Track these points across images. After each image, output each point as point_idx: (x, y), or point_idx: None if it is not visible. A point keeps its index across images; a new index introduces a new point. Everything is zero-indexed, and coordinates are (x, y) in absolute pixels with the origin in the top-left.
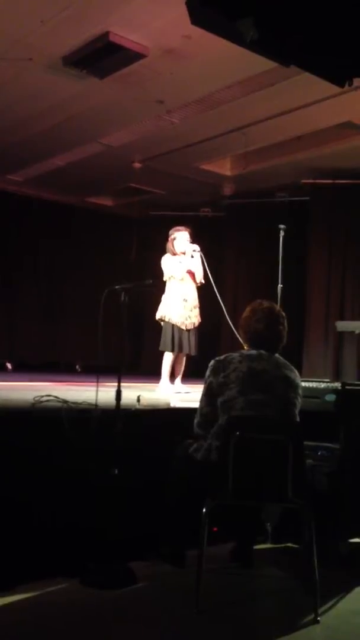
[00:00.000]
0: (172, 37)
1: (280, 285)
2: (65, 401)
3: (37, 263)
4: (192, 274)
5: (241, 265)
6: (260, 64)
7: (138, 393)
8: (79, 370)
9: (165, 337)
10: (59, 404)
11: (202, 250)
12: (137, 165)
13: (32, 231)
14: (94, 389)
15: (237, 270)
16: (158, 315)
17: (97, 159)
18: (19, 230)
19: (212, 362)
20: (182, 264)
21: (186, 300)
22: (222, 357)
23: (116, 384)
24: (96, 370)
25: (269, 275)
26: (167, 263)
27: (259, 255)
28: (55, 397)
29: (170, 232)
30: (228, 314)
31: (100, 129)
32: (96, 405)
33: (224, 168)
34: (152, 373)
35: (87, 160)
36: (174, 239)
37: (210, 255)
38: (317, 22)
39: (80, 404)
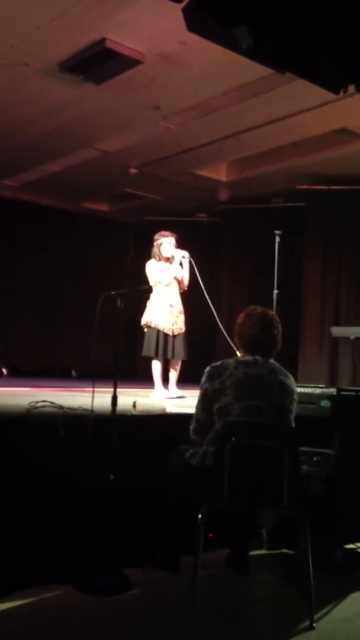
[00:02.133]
0: (168, 44)
1: (275, 291)
2: (60, 407)
3: (32, 268)
4: (178, 280)
5: (237, 270)
6: (255, 70)
7: (134, 399)
8: (75, 375)
9: (149, 343)
10: (55, 410)
11: (197, 255)
12: (133, 170)
13: (27, 237)
14: (90, 394)
15: (233, 276)
16: (143, 321)
17: (93, 164)
18: (14, 236)
19: (207, 369)
20: (169, 270)
21: (172, 306)
22: (217, 363)
23: (112, 389)
24: (92, 376)
25: (264, 281)
26: (152, 268)
27: (254, 261)
28: (51, 402)
29: (156, 237)
30: (224, 320)
31: (96, 135)
32: (92, 410)
33: (220, 174)
34: (147, 379)
35: (83, 165)
36: (161, 244)
37: (205, 261)
38: (312, 30)
39: (75, 409)
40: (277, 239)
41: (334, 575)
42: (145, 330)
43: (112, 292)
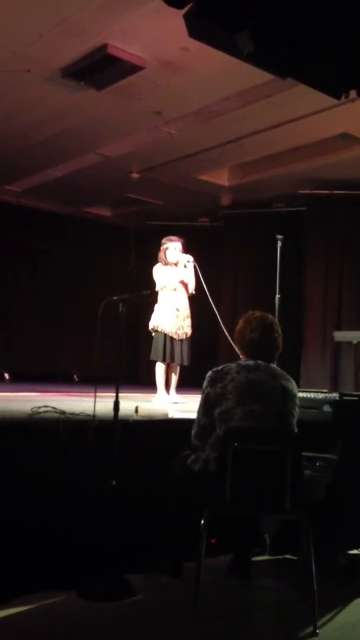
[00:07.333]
0: (169, 49)
1: (278, 296)
2: (62, 412)
3: (34, 273)
4: (184, 284)
5: (239, 275)
6: (257, 75)
7: (136, 404)
8: (77, 380)
9: (157, 347)
10: (57, 415)
11: (199, 260)
12: (135, 175)
13: (29, 242)
14: (92, 399)
15: (235, 281)
16: (151, 325)
17: (95, 169)
18: (17, 241)
19: (209, 373)
20: (175, 274)
21: (178, 310)
22: (219, 367)
23: (114, 394)
24: (94, 381)
25: (267, 286)
26: (159, 273)
27: (256, 265)
28: (53, 407)
29: (163, 241)
30: (227, 325)
31: (98, 140)
32: (94, 415)
33: (222, 178)
34: (149, 383)
35: (85, 170)
36: (167, 248)
37: (208, 266)
38: (313, 35)
39: (78, 414)
40: (279, 244)
41: (337, 581)
42: (153, 334)
43: (114, 297)
